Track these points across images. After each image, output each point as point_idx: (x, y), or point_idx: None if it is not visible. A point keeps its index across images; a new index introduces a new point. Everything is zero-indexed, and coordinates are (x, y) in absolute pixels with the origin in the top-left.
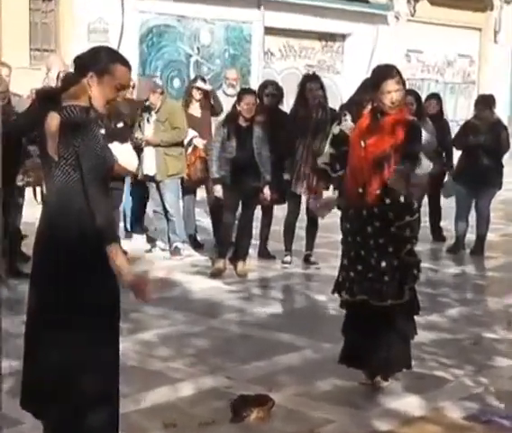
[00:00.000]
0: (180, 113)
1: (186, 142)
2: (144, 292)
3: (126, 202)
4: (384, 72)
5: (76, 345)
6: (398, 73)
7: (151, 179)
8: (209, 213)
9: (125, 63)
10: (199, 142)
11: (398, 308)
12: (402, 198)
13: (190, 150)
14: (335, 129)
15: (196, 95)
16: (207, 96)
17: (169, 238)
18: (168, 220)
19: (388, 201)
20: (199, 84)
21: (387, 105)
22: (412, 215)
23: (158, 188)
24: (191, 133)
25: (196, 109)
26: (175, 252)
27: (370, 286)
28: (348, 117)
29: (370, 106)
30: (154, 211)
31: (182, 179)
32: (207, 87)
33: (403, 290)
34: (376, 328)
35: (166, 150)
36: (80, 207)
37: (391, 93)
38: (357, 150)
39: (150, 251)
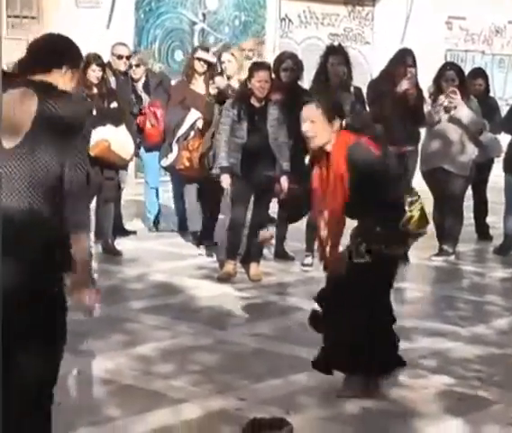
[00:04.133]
0: None
1: (188, 124)
2: (82, 299)
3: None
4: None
5: None
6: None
7: None
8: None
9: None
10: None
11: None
12: None
13: (193, 134)
14: None
15: (199, 67)
16: (213, 69)
17: None
18: None
19: None
20: (201, 54)
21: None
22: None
23: None
24: (194, 113)
25: (199, 85)
26: None
27: None
28: None
29: None
30: None
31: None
32: (212, 58)
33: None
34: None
35: None
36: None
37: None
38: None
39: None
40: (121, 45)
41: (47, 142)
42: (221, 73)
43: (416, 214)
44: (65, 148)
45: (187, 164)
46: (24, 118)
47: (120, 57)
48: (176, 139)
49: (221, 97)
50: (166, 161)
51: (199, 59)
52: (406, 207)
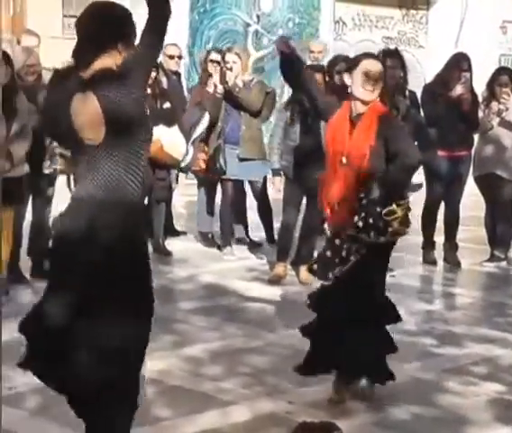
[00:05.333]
0: None
1: (204, 125)
2: None
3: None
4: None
5: None
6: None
7: None
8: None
9: None
10: None
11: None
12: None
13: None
14: None
15: (212, 69)
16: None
17: None
18: None
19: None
20: (213, 56)
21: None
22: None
23: None
24: (208, 116)
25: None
26: None
27: None
28: None
29: None
30: None
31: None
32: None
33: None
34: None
35: None
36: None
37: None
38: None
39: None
40: (172, 45)
41: (119, 138)
42: (230, 69)
43: (400, 213)
44: (131, 137)
45: (203, 166)
46: (96, 120)
47: (171, 57)
48: (192, 141)
49: (228, 95)
50: (182, 163)
51: (212, 62)
52: (394, 204)
